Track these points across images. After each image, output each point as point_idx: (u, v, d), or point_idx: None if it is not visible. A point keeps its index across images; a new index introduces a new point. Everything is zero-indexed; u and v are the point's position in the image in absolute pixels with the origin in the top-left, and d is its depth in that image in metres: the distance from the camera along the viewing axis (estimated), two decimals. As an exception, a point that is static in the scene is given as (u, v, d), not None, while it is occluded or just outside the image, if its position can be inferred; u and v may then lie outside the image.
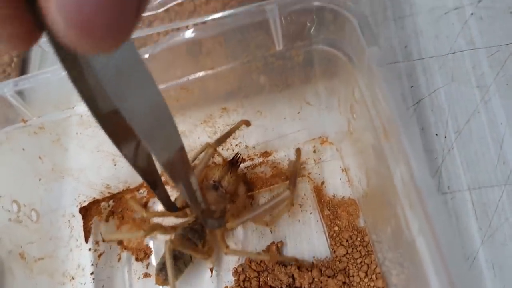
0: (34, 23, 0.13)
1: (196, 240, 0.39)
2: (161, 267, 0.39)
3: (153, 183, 0.26)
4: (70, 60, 0.16)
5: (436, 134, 0.44)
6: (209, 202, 0.40)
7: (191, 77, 0.37)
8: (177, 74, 0.36)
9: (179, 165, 0.24)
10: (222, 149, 0.45)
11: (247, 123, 0.42)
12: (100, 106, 0.19)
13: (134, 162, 0.23)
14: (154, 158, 0.24)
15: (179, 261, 0.39)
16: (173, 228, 0.41)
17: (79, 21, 0.11)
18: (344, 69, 0.35)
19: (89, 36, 0.11)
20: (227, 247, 0.40)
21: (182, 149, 0.24)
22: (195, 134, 0.42)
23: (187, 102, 0.39)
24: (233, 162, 0.42)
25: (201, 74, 0.37)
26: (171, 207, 0.30)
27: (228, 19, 0.33)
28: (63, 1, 0.11)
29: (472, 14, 0.48)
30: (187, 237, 0.39)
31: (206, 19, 0.36)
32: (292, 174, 0.41)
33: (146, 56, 0.33)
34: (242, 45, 0.35)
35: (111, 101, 0.17)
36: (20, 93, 0.34)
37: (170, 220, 0.43)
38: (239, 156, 0.42)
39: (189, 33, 0.33)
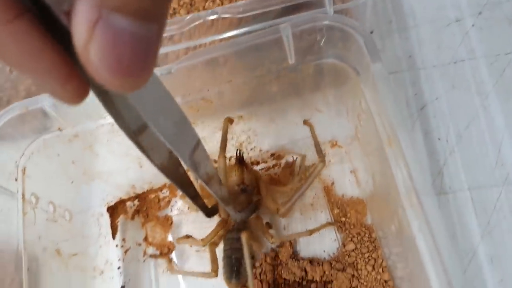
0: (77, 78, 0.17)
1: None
2: (232, 270, 0.42)
3: (189, 192, 0.30)
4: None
5: (439, 138, 0.47)
6: (243, 204, 0.43)
7: (210, 89, 0.40)
8: (198, 87, 0.40)
9: (201, 159, 0.27)
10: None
11: (231, 121, 0.44)
12: (128, 122, 0.22)
13: (168, 172, 0.27)
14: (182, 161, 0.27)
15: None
16: (220, 237, 0.44)
17: (119, 70, 0.15)
18: (352, 81, 0.39)
19: (125, 78, 0.16)
20: (272, 236, 0.43)
21: (199, 142, 0.27)
22: (214, 140, 0.46)
23: (207, 112, 0.43)
24: (240, 160, 0.44)
25: (219, 86, 0.40)
26: (209, 213, 0.34)
27: (245, 37, 0.36)
28: (106, 59, 0.15)
29: (473, 25, 0.51)
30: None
31: (224, 36, 0.40)
32: (316, 145, 0.43)
33: (173, 71, 0.37)
34: (258, 60, 0.39)
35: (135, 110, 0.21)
36: (56, 105, 0.38)
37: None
38: (240, 152, 0.44)
39: (208, 51, 0.37)
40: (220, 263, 0.43)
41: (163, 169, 0.26)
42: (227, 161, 0.49)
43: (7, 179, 0.38)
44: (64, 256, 0.43)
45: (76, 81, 0.18)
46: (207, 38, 0.41)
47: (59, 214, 0.43)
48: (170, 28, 0.39)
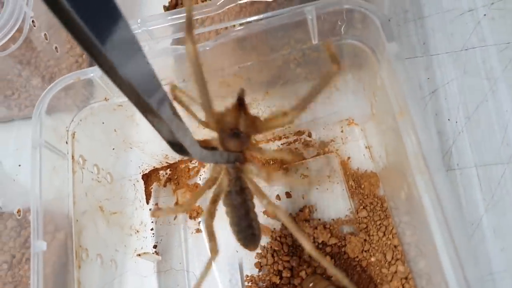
0: None
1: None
2: (246, 238, 0.41)
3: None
4: None
5: (448, 119, 0.51)
6: (233, 150, 0.38)
7: (241, 65, 0.45)
8: (230, 64, 0.44)
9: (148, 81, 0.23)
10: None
11: None
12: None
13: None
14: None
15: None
16: (214, 207, 0.41)
17: None
18: (369, 60, 0.43)
19: None
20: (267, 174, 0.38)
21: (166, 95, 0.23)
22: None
23: (237, 88, 0.47)
24: (240, 102, 0.38)
25: (248, 63, 0.45)
26: (177, 149, 0.29)
27: (273, 18, 0.41)
28: None
29: (484, 15, 0.54)
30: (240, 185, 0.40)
31: (253, 18, 0.44)
32: (330, 51, 0.37)
33: (208, 48, 0.41)
34: (284, 40, 0.43)
35: None
36: (104, 77, 0.43)
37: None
38: (243, 92, 0.38)
39: (239, 31, 0.41)
40: (229, 229, 0.43)
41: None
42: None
43: (59, 141, 0.43)
44: (106, 212, 0.48)
45: None
46: (237, 20, 0.46)
47: (102, 176, 0.48)
48: (203, 11, 0.44)
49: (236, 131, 0.38)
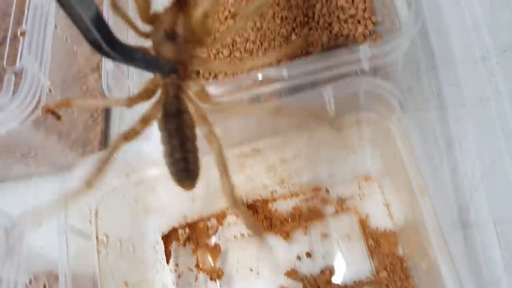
0: None
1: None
2: (180, 170, 0.35)
3: None
4: None
5: (465, 174, 0.51)
6: (169, 57, 0.32)
7: (265, 141, 0.45)
8: (251, 137, 0.45)
9: None
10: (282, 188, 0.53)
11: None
12: None
13: None
14: None
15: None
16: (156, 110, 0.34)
17: None
18: (386, 132, 0.43)
19: None
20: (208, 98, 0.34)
21: None
22: (258, 179, 0.51)
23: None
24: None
25: (272, 139, 0.45)
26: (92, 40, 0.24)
27: (291, 99, 0.41)
28: None
29: (497, 63, 0.54)
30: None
31: (266, 90, 0.44)
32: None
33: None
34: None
35: None
36: (126, 156, 0.43)
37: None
38: None
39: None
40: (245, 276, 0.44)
41: None
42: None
43: (83, 222, 0.44)
44: (130, 285, 0.48)
45: None
46: (250, 91, 0.45)
47: (125, 249, 0.49)
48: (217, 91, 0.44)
49: (172, 34, 0.32)
